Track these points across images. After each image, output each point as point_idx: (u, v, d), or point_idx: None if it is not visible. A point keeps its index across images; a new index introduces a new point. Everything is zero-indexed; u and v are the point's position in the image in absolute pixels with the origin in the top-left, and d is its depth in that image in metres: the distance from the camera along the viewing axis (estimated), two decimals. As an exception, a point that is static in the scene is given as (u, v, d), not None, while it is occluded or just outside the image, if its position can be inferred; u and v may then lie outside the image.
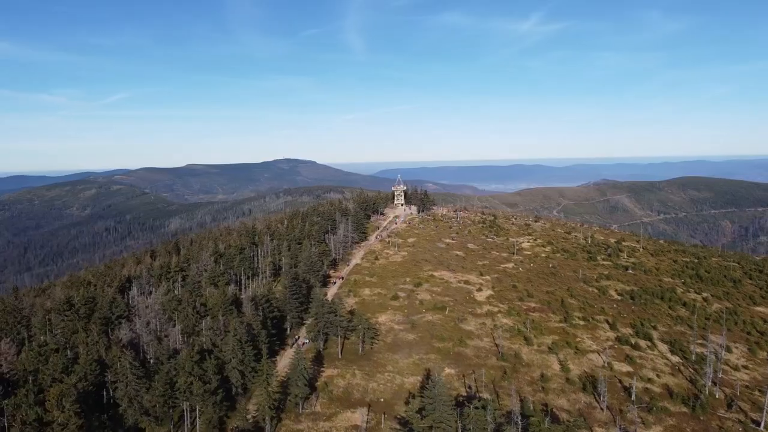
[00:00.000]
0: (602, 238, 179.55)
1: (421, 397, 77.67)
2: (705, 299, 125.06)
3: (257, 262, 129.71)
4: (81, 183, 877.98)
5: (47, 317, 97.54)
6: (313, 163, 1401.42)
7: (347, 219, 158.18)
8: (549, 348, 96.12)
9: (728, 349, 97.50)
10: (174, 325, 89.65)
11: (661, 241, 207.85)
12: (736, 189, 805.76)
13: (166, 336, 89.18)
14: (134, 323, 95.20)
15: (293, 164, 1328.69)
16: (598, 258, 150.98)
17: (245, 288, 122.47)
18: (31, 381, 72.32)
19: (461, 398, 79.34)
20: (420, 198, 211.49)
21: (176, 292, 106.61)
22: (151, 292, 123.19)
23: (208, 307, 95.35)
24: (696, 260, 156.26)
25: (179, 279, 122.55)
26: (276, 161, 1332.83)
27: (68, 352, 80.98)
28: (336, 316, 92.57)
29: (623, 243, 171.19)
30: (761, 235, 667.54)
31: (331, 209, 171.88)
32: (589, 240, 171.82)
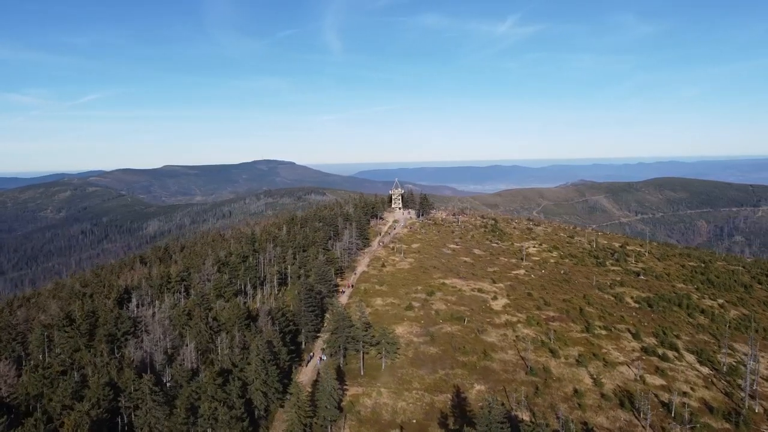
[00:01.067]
0: (606, 242, 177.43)
1: (454, 416, 73.79)
2: (721, 306, 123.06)
3: (263, 271, 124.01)
4: (55, 185, 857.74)
5: (46, 334, 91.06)
6: (292, 164, 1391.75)
7: (351, 224, 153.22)
8: (577, 360, 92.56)
9: (755, 359, 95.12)
10: (186, 343, 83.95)
11: (654, 243, 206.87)
12: (710, 189, 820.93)
13: (178, 354, 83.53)
14: (141, 340, 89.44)
15: (272, 165, 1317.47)
16: (607, 263, 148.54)
17: (251, 298, 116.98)
18: (39, 409, 66.35)
19: (498, 418, 75.31)
20: (419, 202, 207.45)
21: (183, 305, 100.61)
22: (152, 304, 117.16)
23: (221, 321, 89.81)
24: (703, 264, 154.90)
25: (182, 290, 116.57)
26: (255, 162, 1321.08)
27: (75, 374, 74.95)
28: (358, 329, 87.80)
29: (628, 247, 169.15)
30: (736, 235, 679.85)
31: (332, 214, 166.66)
32: (594, 244, 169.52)
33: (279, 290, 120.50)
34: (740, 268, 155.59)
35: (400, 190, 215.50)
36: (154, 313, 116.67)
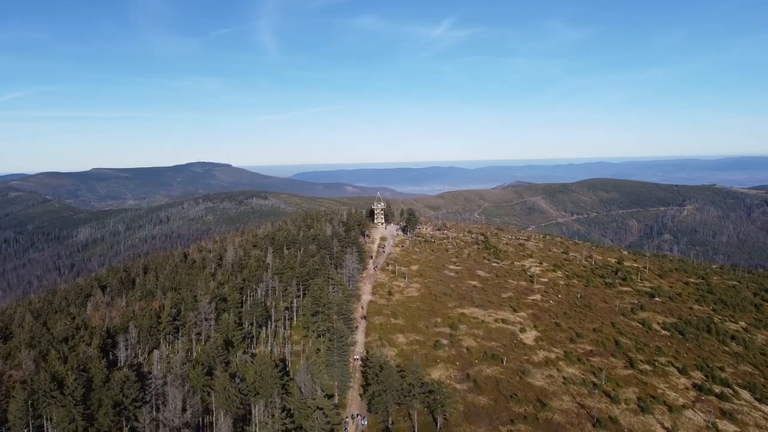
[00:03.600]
0: (600, 257, 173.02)
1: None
2: (746, 329, 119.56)
3: (269, 307, 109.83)
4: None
5: (29, 402, 75.06)
6: (228, 166, 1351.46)
7: (351, 247, 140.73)
8: (639, 406, 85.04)
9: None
10: (213, 410, 70.37)
11: (618, 252, 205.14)
12: (640, 190, 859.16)
13: (205, 428, 69.87)
14: (153, 407, 75.08)
15: (208, 168, 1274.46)
16: (617, 283, 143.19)
17: (256, 341, 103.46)
18: None
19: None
20: (406, 217, 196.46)
21: (193, 356, 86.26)
22: (143, 351, 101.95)
23: (248, 381, 76.44)
24: (702, 280, 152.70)
25: (179, 334, 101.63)
26: (189, 164, 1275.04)
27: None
28: (413, 386, 76.69)
29: (624, 263, 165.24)
30: (665, 233, 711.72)
31: (324, 235, 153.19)
32: (593, 261, 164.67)
33: (289, 330, 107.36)
34: (737, 283, 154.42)
35: (382, 204, 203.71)
36: (143, 361, 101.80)
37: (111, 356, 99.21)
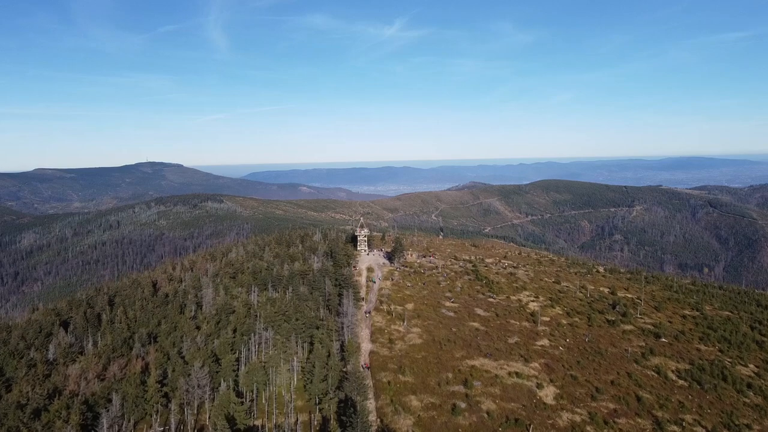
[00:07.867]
0: (593, 287, 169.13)
1: None
2: (758, 374, 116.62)
3: (267, 367, 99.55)
4: None
5: None
6: (179, 166, 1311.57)
7: (349, 290, 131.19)
8: (682, 481, 79.89)
9: None
10: None
11: (612, 279, 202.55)
12: (591, 191, 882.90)
13: None
14: None
15: (158, 168, 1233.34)
16: (618, 321, 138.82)
17: (255, 410, 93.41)
18: None
19: None
20: (393, 245, 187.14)
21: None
22: (132, 424, 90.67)
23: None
24: (697, 312, 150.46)
25: (171, 407, 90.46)
26: (138, 165, 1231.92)
27: None
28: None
29: (618, 294, 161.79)
30: (615, 234, 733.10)
31: (311, 270, 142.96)
32: (587, 293, 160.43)
33: (294, 398, 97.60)
34: (730, 313, 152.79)
35: (366, 230, 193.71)
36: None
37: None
